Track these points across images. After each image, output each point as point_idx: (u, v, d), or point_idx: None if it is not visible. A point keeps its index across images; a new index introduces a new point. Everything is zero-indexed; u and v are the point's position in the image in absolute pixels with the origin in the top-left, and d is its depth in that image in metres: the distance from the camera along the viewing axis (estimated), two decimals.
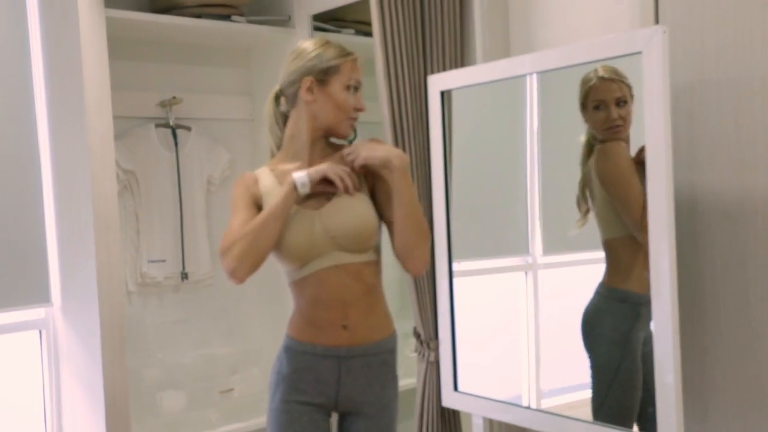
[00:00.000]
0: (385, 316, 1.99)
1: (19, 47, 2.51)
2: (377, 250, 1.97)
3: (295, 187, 1.83)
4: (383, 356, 1.95)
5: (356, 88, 1.92)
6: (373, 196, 1.95)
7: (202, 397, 2.92)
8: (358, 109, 1.93)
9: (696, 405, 2.01)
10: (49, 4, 2.48)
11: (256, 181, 1.95)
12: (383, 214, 1.93)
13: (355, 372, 1.91)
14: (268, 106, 2.00)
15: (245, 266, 1.80)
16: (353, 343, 1.90)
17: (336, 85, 1.88)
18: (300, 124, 1.92)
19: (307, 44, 1.93)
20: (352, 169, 1.89)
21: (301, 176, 1.84)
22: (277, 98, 1.98)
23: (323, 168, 1.86)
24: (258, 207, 1.92)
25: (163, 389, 2.86)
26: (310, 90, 1.88)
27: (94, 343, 2.40)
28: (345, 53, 1.90)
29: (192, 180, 2.97)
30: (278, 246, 1.85)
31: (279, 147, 1.99)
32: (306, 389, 1.91)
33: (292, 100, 1.92)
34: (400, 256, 1.91)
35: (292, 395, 1.90)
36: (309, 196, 1.87)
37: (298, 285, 1.91)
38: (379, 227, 1.95)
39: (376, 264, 1.96)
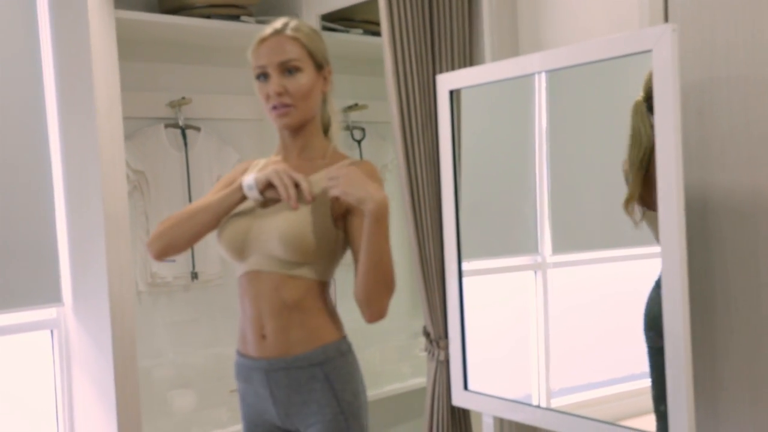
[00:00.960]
0: (312, 330, 1.77)
1: (29, 49, 2.52)
2: (321, 271, 1.78)
3: (241, 189, 1.76)
4: (310, 371, 1.75)
5: (265, 75, 1.77)
6: (345, 221, 1.78)
7: (213, 396, 2.93)
8: (277, 95, 1.75)
9: (707, 401, 2.01)
10: (59, 6, 2.49)
11: (245, 170, 1.92)
12: (351, 248, 1.78)
13: (286, 387, 1.77)
14: None
15: (158, 245, 1.79)
16: (274, 355, 1.76)
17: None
18: None
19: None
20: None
21: (248, 180, 1.75)
22: None
23: (267, 173, 1.73)
24: None
25: (174, 388, 2.87)
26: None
27: (105, 343, 2.41)
28: (258, 40, 1.78)
29: (201, 180, 2.98)
30: (218, 233, 1.82)
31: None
32: (253, 404, 1.83)
33: None
34: (358, 302, 1.74)
35: (248, 416, 1.86)
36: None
37: (237, 283, 1.83)
38: (326, 248, 1.75)
39: (311, 283, 1.77)
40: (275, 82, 1.75)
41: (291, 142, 1.84)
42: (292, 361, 1.75)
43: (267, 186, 1.74)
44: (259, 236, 1.75)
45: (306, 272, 1.75)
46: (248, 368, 1.81)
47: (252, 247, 1.76)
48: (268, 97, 1.77)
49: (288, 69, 1.75)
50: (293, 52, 1.76)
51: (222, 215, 1.77)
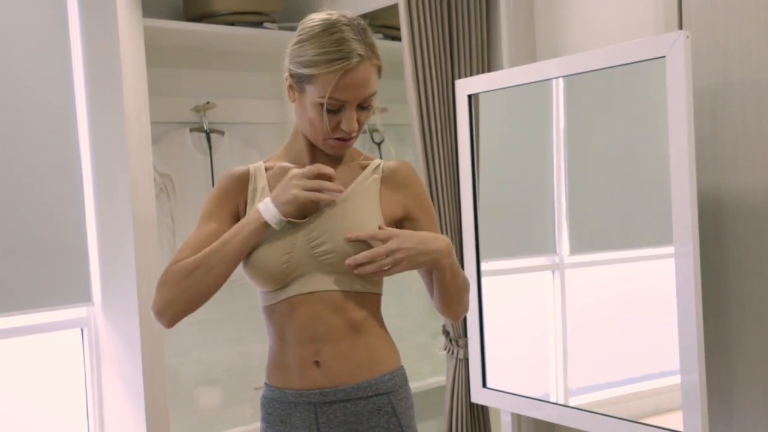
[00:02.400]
0: (377, 353, 1.52)
1: (61, 56, 2.59)
2: (380, 283, 1.54)
3: (266, 224, 1.45)
4: (375, 401, 1.49)
5: (337, 109, 1.44)
6: (401, 225, 1.56)
7: (238, 393, 2.99)
8: (348, 131, 1.46)
9: (721, 402, 2.03)
10: (89, 15, 2.56)
11: (246, 180, 1.55)
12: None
13: (341, 425, 1.48)
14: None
15: (172, 313, 1.46)
16: (329, 385, 1.48)
17: (309, 97, 1.43)
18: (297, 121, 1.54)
19: (310, 25, 1.45)
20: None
21: (270, 213, 1.44)
22: None
23: (292, 194, 1.42)
24: (235, 217, 1.54)
25: (200, 385, 2.92)
26: (291, 89, 1.48)
27: (134, 341, 2.46)
28: (331, 59, 1.39)
29: None
30: (247, 261, 1.48)
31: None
32: None
33: None
34: (443, 313, 1.60)
35: None
36: None
37: (267, 312, 1.53)
38: None
39: (375, 298, 1.53)
40: (352, 117, 1.45)
41: (313, 146, 1.55)
42: (354, 391, 1.48)
43: (302, 206, 1.45)
44: (314, 252, 1.47)
45: (372, 286, 1.52)
46: (287, 404, 1.50)
47: (301, 267, 1.48)
48: (335, 129, 1.46)
49: (367, 105, 1.48)
50: (375, 85, 1.47)
51: (241, 258, 1.48)
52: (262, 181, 1.55)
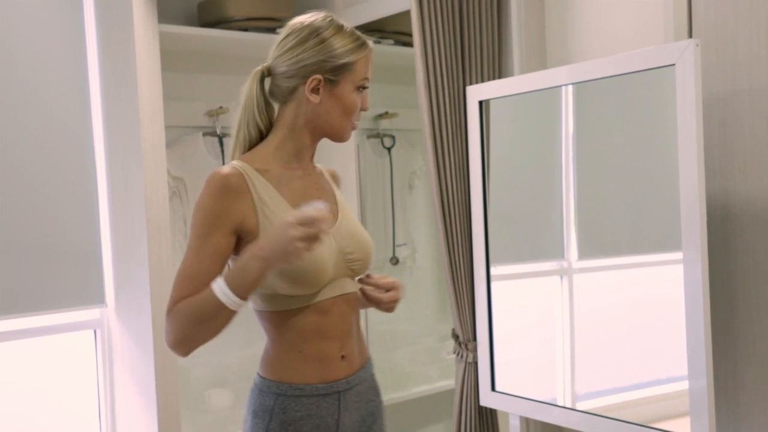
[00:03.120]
0: (363, 338, 1.74)
1: (77, 62, 2.62)
2: None
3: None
4: (370, 380, 1.71)
5: (366, 87, 1.58)
6: None
7: (248, 395, 3.01)
8: (363, 110, 1.60)
9: (728, 406, 2.04)
10: (106, 21, 2.59)
11: (246, 188, 1.49)
12: None
13: (351, 407, 1.63)
14: (251, 87, 1.58)
15: (186, 350, 1.49)
16: (351, 373, 1.63)
17: (347, 86, 1.53)
18: (299, 122, 1.56)
19: (317, 26, 1.53)
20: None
21: (230, 299, 1.45)
22: (262, 79, 1.58)
23: (298, 249, 1.39)
24: (236, 230, 1.49)
25: (211, 387, 2.95)
26: (315, 90, 1.53)
27: (147, 343, 2.49)
28: (360, 44, 1.54)
29: None
30: (302, 266, 1.48)
31: (254, 137, 1.58)
32: None
33: (286, 93, 1.55)
34: None
35: None
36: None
37: (290, 315, 1.56)
38: None
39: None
40: (367, 96, 1.59)
41: (310, 148, 1.62)
42: (361, 374, 1.66)
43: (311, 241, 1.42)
44: (347, 259, 1.60)
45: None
46: (316, 397, 1.57)
47: (336, 273, 1.58)
48: (357, 110, 1.57)
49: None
50: None
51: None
52: (263, 187, 1.52)
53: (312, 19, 1.55)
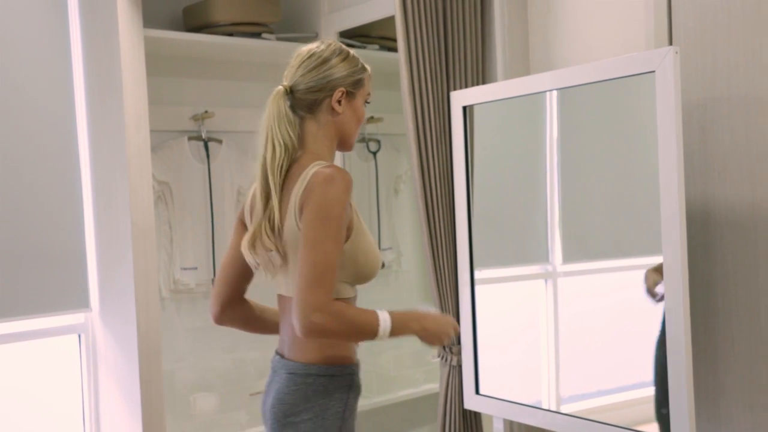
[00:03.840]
0: None
1: (62, 66, 2.62)
2: None
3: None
4: None
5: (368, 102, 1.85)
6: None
7: (233, 400, 3.01)
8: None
9: (708, 407, 2.07)
10: (91, 25, 2.58)
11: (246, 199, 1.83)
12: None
13: None
14: (279, 104, 1.73)
15: (324, 340, 1.68)
16: None
17: (360, 99, 1.78)
18: (321, 133, 1.75)
19: (334, 48, 1.77)
20: None
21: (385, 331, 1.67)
22: (286, 96, 1.75)
23: (443, 340, 1.74)
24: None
25: (196, 391, 2.95)
26: (339, 101, 1.74)
27: (131, 347, 2.48)
28: (363, 65, 1.80)
29: (223, 191, 3.07)
30: (365, 262, 1.70)
31: (290, 149, 1.72)
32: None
33: (309, 107, 1.73)
34: None
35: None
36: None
37: (348, 303, 1.74)
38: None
39: None
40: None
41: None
42: None
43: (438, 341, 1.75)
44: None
45: None
46: (358, 373, 1.79)
47: None
48: (364, 121, 1.85)
49: None
50: None
51: None
52: None
53: (325, 44, 1.78)
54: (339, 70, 1.73)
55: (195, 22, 2.88)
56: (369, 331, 1.63)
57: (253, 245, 1.70)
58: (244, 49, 2.95)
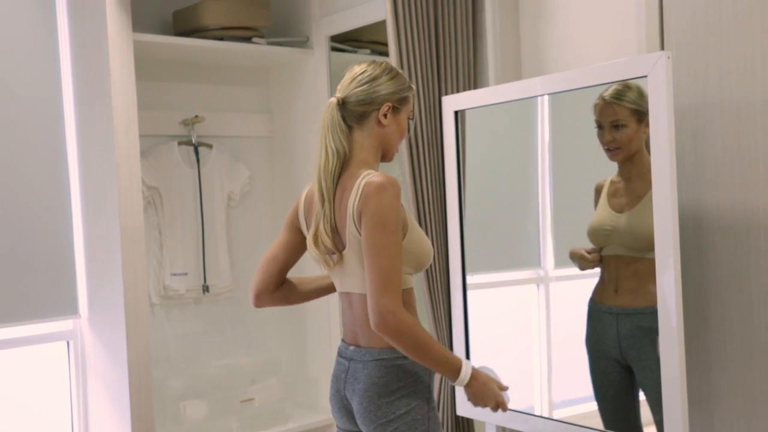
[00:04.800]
0: None
1: (50, 70, 2.60)
2: None
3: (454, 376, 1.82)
4: None
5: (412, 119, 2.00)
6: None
7: (224, 407, 2.99)
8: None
9: (702, 414, 2.06)
10: (79, 29, 2.57)
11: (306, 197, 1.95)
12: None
13: None
14: (332, 114, 1.88)
15: (394, 343, 1.76)
16: None
17: (404, 115, 1.92)
18: (368, 143, 1.88)
19: (385, 67, 1.91)
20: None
21: (465, 383, 1.83)
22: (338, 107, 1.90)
23: (489, 405, 1.87)
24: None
25: (186, 399, 2.92)
26: (385, 115, 1.87)
27: (121, 354, 2.47)
28: (409, 84, 1.95)
29: (213, 196, 3.06)
30: (421, 252, 1.85)
31: (341, 155, 1.87)
32: None
33: (358, 118, 1.88)
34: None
35: None
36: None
37: (409, 293, 1.89)
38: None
39: None
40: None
41: None
42: None
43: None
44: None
45: None
46: None
47: None
48: (406, 135, 1.97)
49: None
50: None
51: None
52: None
53: (377, 63, 1.92)
54: (387, 87, 1.87)
55: (185, 26, 2.86)
56: (441, 362, 1.79)
57: (315, 243, 1.86)
58: (234, 54, 2.94)
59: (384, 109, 1.87)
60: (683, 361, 1.82)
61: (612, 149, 2.07)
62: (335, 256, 1.85)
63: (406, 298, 1.85)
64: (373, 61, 1.94)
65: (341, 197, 1.83)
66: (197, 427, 2.89)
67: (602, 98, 2.05)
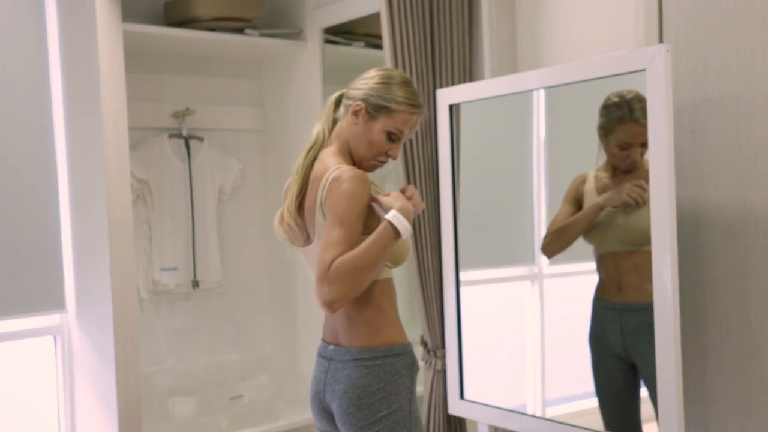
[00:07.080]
0: None
1: (38, 61, 2.56)
2: None
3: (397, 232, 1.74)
4: None
5: (397, 139, 1.85)
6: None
7: (213, 403, 2.97)
8: (390, 157, 1.87)
9: (697, 413, 2.05)
10: (68, 19, 2.54)
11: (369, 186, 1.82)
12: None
13: None
14: (329, 104, 1.92)
15: (342, 303, 1.71)
16: None
17: (379, 125, 1.81)
18: (342, 135, 1.86)
19: (391, 74, 1.86)
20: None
21: (404, 227, 1.73)
22: (338, 102, 1.91)
23: (416, 212, 1.82)
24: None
25: (175, 395, 2.90)
26: (356, 114, 1.82)
27: (108, 349, 2.44)
28: (412, 103, 1.83)
29: (204, 190, 3.03)
30: (399, 245, 1.79)
31: (319, 142, 1.89)
32: None
33: (343, 112, 1.88)
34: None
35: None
36: None
37: (386, 284, 1.84)
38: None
39: None
40: (399, 148, 1.86)
41: (359, 162, 1.91)
42: None
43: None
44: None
45: None
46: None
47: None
48: (385, 154, 1.85)
49: (403, 140, 1.89)
50: None
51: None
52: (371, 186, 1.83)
53: (393, 70, 1.90)
54: (369, 89, 1.82)
55: (176, 16, 2.82)
56: (382, 246, 1.71)
57: (281, 221, 1.86)
58: (226, 45, 2.91)
59: (354, 107, 1.82)
60: (679, 361, 1.80)
61: (631, 163, 2.01)
62: (297, 234, 1.83)
63: (385, 288, 1.83)
64: (401, 72, 1.90)
65: (312, 188, 1.81)
66: (185, 424, 2.87)
67: (632, 119, 1.96)
